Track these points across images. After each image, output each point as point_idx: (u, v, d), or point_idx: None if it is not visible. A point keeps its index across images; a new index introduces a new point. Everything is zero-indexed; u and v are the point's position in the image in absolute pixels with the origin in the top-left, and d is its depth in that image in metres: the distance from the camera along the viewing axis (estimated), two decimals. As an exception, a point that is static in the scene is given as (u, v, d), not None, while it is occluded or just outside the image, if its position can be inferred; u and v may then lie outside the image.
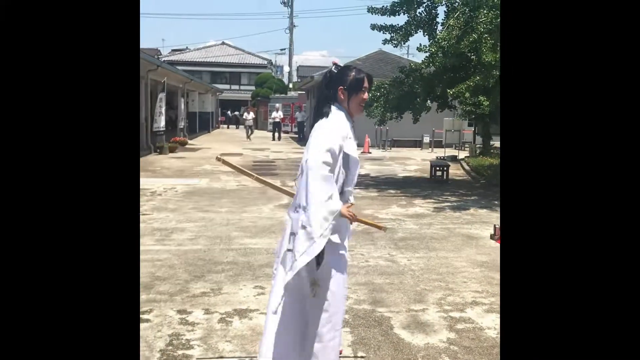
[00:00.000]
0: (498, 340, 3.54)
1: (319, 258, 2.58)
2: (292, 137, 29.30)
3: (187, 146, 20.76)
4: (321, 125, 2.64)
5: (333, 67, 2.76)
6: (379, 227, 3.10)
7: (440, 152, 18.74)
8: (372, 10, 11.23)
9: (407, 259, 5.52)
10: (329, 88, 2.73)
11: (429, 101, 12.15)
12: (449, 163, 13.25)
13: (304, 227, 2.46)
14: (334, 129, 2.60)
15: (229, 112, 44.29)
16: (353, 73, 2.73)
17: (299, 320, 2.64)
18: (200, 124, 30.55)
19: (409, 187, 11.24)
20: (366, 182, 11.69)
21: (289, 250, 2.55)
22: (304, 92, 31.80)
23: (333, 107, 2.69)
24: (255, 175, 2.89)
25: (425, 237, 6.58)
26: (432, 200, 9.45)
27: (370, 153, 19.13)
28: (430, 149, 20.93)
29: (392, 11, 11.18)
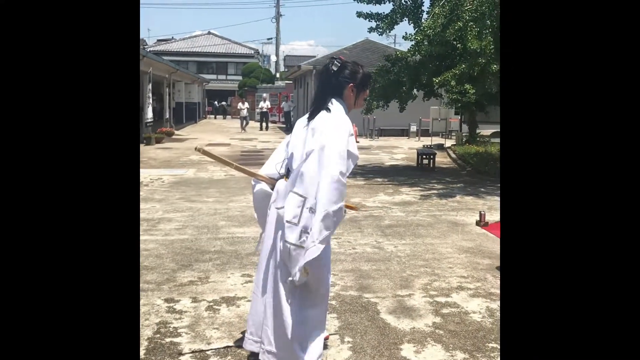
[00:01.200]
0: (483, 324, 3.60)
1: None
2: (279, 127, 29.25)
3: (173, 137, 20.67)
4: (330, 123, 2.59)
5: (337, 61, 2.73)
6: (353, 208, 3.64)
7: (427, 141, 18.80)
8: (357, -2, 11.20)
9: (393, 245, 5.57)
10: (336, 80, 2.72)
11: (415, 90, 12.19)
12: (436, 151, 13.31)
13: (305, 232, 2.45)
14: (344, 128, 2.60)
15: (215, 102, 44.05)
16: (361, 70, 2.78)
17: (274, 298, 2.67)
18: (187, 114, 30.40)
19: (396, 175, 11.29)
20: (354, 170, 11.59)
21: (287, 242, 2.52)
22: (291, 82, 31.72)
23: (334, 101, 2.70)
24: (235, 165, 2.90)
25: (411, 224, 6.63)
26: (419, 188, 9.50)
27: (358, 142, 19.15)
28: (417, 137, 20.99)
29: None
